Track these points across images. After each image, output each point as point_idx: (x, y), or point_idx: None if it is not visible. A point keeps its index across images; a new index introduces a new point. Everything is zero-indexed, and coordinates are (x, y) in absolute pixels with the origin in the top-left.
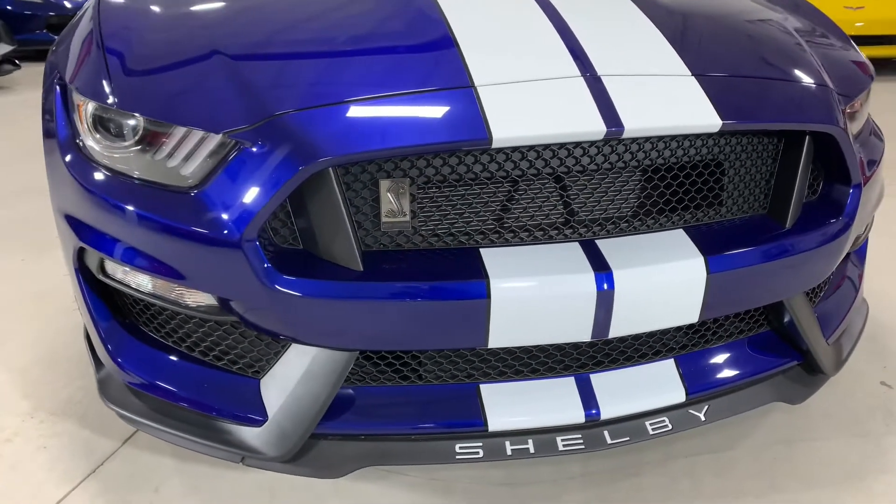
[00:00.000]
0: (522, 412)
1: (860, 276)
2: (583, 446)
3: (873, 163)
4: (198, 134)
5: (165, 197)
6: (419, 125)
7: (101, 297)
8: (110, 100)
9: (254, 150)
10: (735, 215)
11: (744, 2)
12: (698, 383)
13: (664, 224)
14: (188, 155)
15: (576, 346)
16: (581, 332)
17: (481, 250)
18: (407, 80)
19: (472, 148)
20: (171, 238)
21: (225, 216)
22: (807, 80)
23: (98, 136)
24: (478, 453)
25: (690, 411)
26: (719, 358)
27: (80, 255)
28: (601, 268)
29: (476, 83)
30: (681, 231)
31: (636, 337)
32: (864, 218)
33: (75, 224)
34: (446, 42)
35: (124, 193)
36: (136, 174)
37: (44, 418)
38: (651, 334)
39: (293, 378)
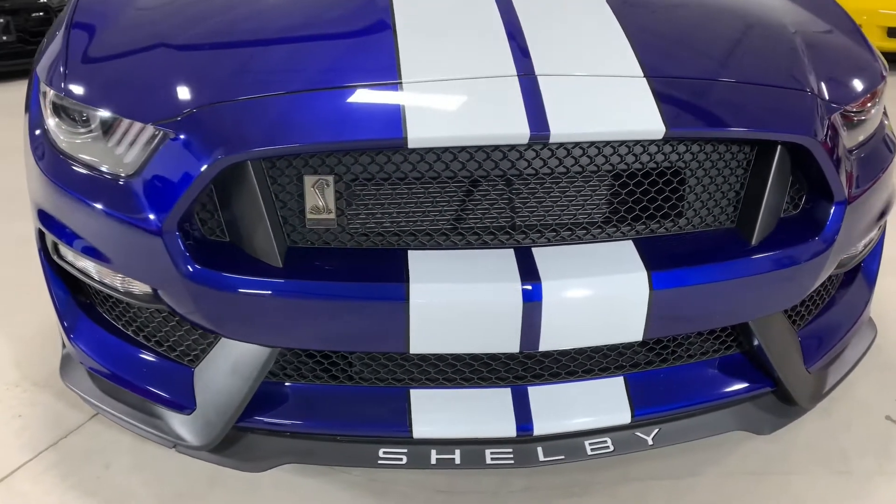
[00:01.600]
0: (450, 421)
1: (866, 298)
2: (512, 462)
3: (871, 177)
4: (138, 124)
5: (106, 184)
6: (336, 122)
7: (60, 277)
8: (63, 89)
9: (177, 141)
10: (697, 228)
11: None
12: (648, 405)
13: (612, 234)
14: (130, 144)
15: (513, 356)
16: (508, 343)
17: (409, 252)
18: (335, 75)
19: (387, 147)
20: (106, 225)
21: (148, 205)
22: (781, 83)
23: (59, 121)
24: (401, 460)
25: (637, 434)
26: (677, 379)
27: (42, 237)
28: (530, 277)
29: (404, 80)
30: (630, 243)
31: (580, 351)
32: (851, 238)
33: (37, 207)
34: (385, 35)
35: (74, 180)
36: (88, 160)
37: (26, 388)
38: (598, 349)
39: (220, 369)
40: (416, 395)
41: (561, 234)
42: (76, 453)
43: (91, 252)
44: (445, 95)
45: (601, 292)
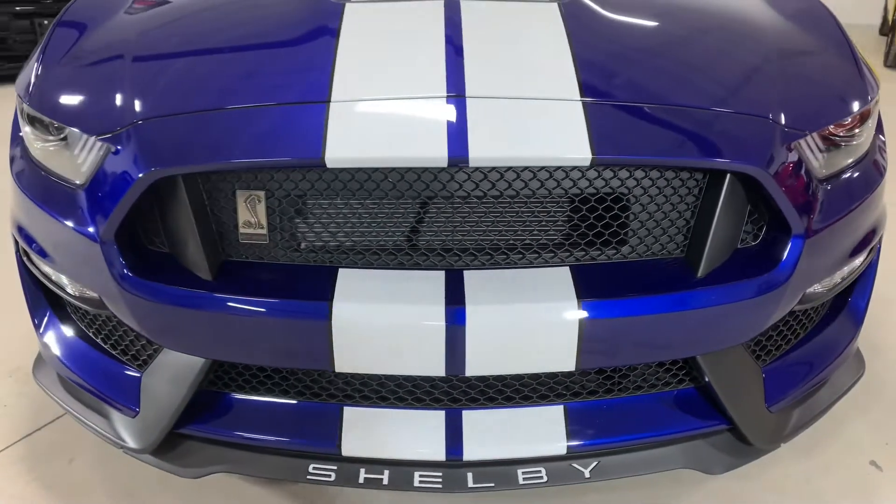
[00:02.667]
0: (379, 441)
1: (850, 335)
2: (440, 486)
3: (845, 207)
4: (91, 137)
5: (63, 193)
6: (258, 140)
7: (30, 278)
8: (30, 99)
9: (117, 154)
10: (642, 256)
11: (719, 9)
12: (586, 437)
13: (548, 260)
14: (87, 154)
15: (446, 379)
16: (433, 367)
17: (340, 270)
18: (266, 92)
19: (306, 166)
20: (60, 231)
21: (91, 215)
22: (731, 108)
23: (32, 129)
24: (330, 476)
25: (574, 465)
26: (622, 412)
27: (16, 239)
28: (455, 301)
29: (333, 98)
30: (566, 269)
31: (518, 377)
32: (815, 272)
33: (12, 212)
34: (327, 53)
35: (38, 188)
36: (53, 168)
37: (19, 378)
38: (536, 376)
39: (161, 376)
40: (348, 412)
41: (495, 258)
42: (46, 446)
43: (48, 257)
44: (370, 115)
45: (528, 320)
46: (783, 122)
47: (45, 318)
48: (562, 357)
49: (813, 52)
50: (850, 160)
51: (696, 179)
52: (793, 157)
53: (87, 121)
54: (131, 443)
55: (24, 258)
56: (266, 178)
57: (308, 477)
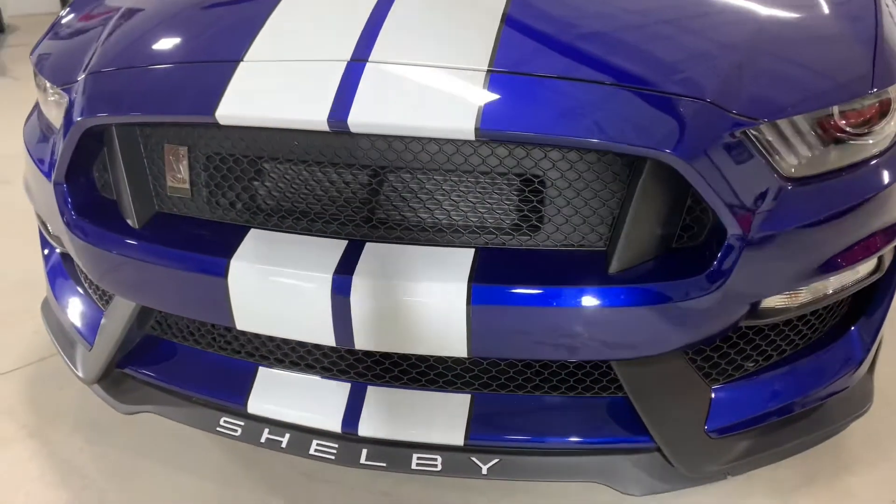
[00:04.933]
0: (281, 403)
1: (847, 367)
2: (333, 457)
3: (817, 212)
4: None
5: (48, 138)
6: (167, 96)
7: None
8: (34, 59)
9: (70, 104)
10: (558, 245)
11: None
12: (488, 432)
13: (456, 240)
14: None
15: (354, 351)
16: (322, 335)
17: (252, 230)
18: (196, 50)
19: (201, 123)
20: (39, 176)
21: (50, 159)
22: (655, 87)
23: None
24: (236, 431)
25: (472, 459)
26: (535, 410)
27: None
28: (343, 271)
29: (246, 58)
30: (471, 251)
31: (424, 359)
32: (763, 285)
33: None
34: (260, 14)
35: (36, 139)
36: (50, 118)
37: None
38: (443, 360)
39: (111, 315)
40: (263, 372)
41: (399, 233)
42: (50, 371)
43: (35, 200)
44: (270, 76)
45: (414, 298)
46: (724, 105)
47: (47, 258)
48: (453, 341)
49: (811, 27)
50: (854, 160)
51: (622, 165)
52: (738, 147)
53: (56, 73)
54: (80, 372)
55: None
56: (190, 135)
57: (217, 429)
